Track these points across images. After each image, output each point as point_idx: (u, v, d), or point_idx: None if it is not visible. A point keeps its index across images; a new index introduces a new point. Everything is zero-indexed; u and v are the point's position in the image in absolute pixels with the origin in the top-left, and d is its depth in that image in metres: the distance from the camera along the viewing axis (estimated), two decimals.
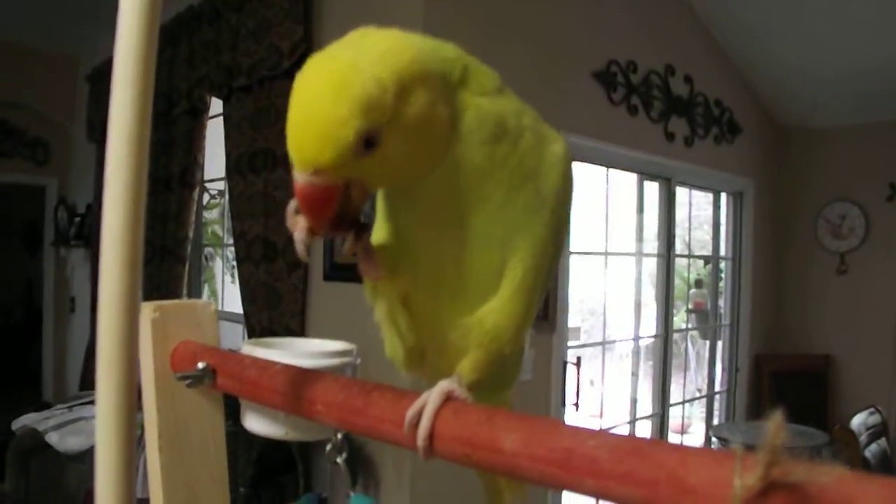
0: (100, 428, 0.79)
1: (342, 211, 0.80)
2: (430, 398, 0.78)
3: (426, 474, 3.46)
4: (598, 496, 0.63)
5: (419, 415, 0.78)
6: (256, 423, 1.14)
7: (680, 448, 0.58)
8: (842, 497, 0.48)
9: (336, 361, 1.11)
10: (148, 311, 1.12)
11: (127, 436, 0.79)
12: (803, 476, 0.48)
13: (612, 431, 0.67)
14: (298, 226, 0.83)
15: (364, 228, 0.86)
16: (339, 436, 1.04)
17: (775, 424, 0.49)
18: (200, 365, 1.09)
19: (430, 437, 0.76)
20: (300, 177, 0.76)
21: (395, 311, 0.92)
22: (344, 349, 1.15)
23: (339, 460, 1.05)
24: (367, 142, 0.74)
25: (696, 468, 0.55)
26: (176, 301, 1.18)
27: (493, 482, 1.12)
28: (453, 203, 0.83)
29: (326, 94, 0.74)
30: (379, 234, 0.93)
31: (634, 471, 0.59)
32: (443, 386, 0.80)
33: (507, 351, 0.88)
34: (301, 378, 0.95)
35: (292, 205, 0.84)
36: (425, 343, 0.95)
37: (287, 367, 0.99)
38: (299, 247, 0.83)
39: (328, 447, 1.06)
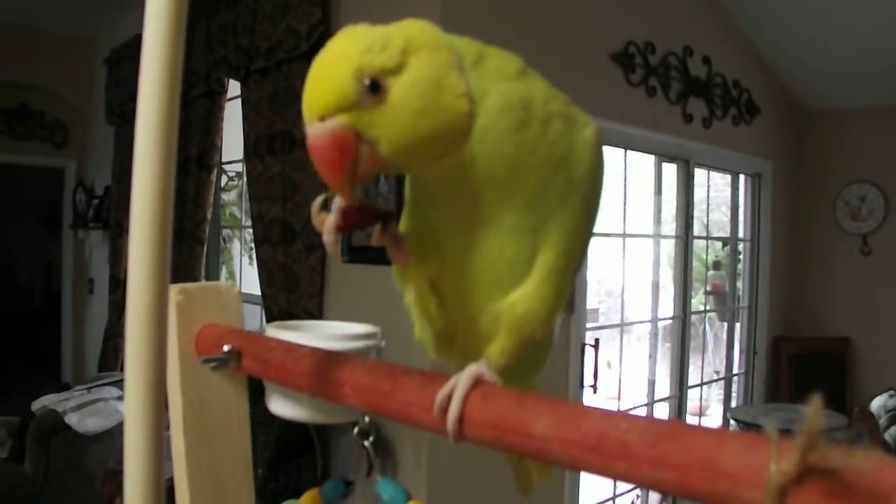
0: (129, 410, 0.79)
1: (352, 175, 0.79)
2: (460, 382, 0.78)
3: (444, 456, 3.46)
4: (629, 481, 0.63)
5: (449, 398, 0.77)
6: (280, 406, 1.14)
7: (714, 431, 0.58)
8: (881, 483, 0.47)
9: (361, 344, 1.11)
10: (172, 293, 1.12)
11: (156, 419, 0.79)
12: (841, 462, 0.48)
13: (640, 414, 0.66)
14: (326, 224, 0.83)
15: (389, 217, 0.85)
16: (367, 419, 1.04)
17: (814, 409, 0.48)
18: (226, 348, 1.08)
19: (460, 420, 0.76)
20: (308, 129, 0.78)
21: (424, 296, 0.92)
22: (369, 332, 1.15)
23: (366, 443, 1.05)
24: (372, 85, 0.75)
25: (730, 452, 0.55)
26: (200, 284, 1.18)
27: (520, 464, 1.12)
28: (483, 196, 0.82)
29: (333, 48, 0.78)
30: (407, 221, 0.93)
31: (667, 455, 0.58)
32: (472, 369, 0.79)
33: (538, 336, 0.87)
34: (328, 361, 0.95)
35: (317, 201, 0.84)
36: (454, 327, 0.94)
37: (313, 350, 0.99)
38: (329, 248, 0.84)
39: (355, 430, 1.05)
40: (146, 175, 0.75)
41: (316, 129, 0.77)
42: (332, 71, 0.76)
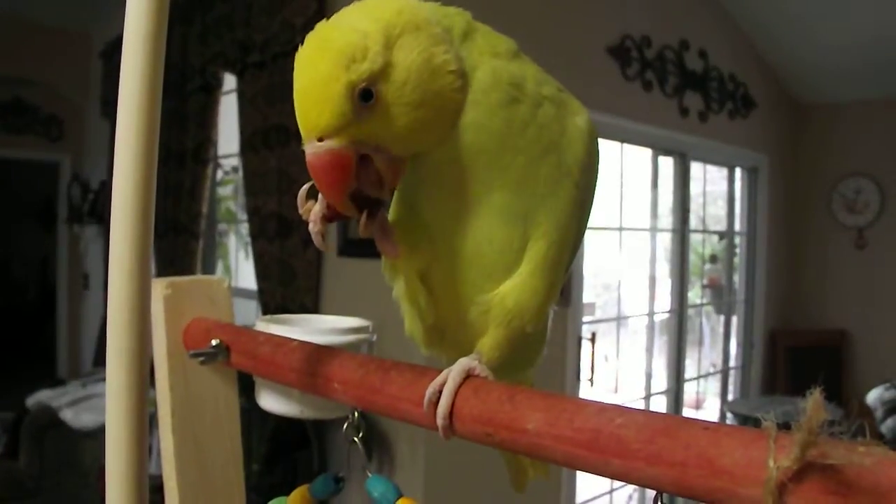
0: (110, 408, 0.78)
1: (372, 186, 0.79)
2: (450, 376, 0.77)
3: (441, 450, 3.45)
4: (625, 479, 0.61)
5: (439, 393, 0.76)
6: (271, 402, 1.13)
7: (711, 427, 0.57)
8: (881, 480, 0.46)
9: (352, 338, 1.09)
10: (160, 287, 1.11)
11: (138, 416, 0.78)
12: (841, 458, 0.46)
13: (638, 408, 0.65)
14: (312, 213, 0.82)
15: (378, 206, 0.84)
16: (356, 414, 1.03)
17: (814, 403, 0.47)
18: (214, 342, 1.07)
19: (450, 416, 0.75)
20: (308, 148, 0.76)
21: (414, 288, 0.90)
22: (360, 325, 1.13)
23: (356, 439, 1.04)
24: (364, 94, 0.74)
25: (728, 448, 0.53)
26: (189, 277, 1.17)
27: (515, 460, 1.11)
28: (470, 174, 0.81)
29: (314, 60, 0.75)
30: (396, 210, 0.91)
31: (663, 451, 0.57)
32: (463, 363, 0.78)
33: (530, 329, 0.85)
34: (317, 355, 0.93)
35: (303, 190, 0.83)
36: (445, 320, 0.92)
37: (303, 344, 0.98)
38: (316, 238, 0.83)
39: (345, 426, 1.04)
40: (127, 172, 0.73)
41: (316, 150, 0.76)
42: (322, 91, 0.74)
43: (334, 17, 0.79)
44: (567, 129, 0.84)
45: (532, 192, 0.82)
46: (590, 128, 0.86)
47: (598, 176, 0.90)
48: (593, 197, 0.90)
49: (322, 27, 0.78)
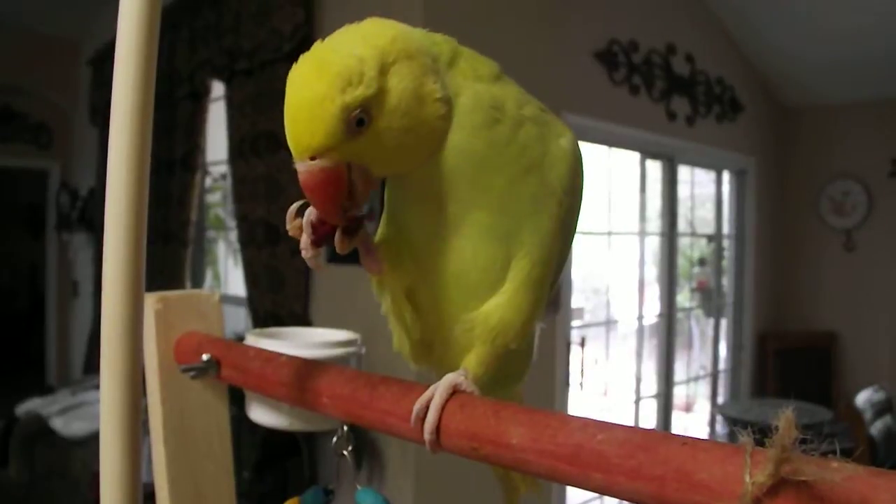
0: (104, 421, 0.79)
1: (348, 199, 0.80)
2: (437, 391, 0.78)
3: (431, 459, 3.44)
4: (606, 492, 0.62)
5: (426, 408, 0.77)
6: (261, 414, 1.13)
7: (689, 442, 0.58)
8: (853, 495, 0.47)
9: (341, 352, 1.10)
10: (151, 302, 1.12)
11: (132, 428, 0.79)
12: (813, 474, 0.48)
13: (622, 421, 0.66)
14: (302, 241, 0.84)
15: (360, 223, 0.85)
16: (345, 428, 1.04)
17: (786, 421, 0.48)
18: (205, 357, 1.08)
19: (437, 430, 0.76)
20: (300, 166, 0.77)
21: (400, 305, 0.91)
22: (349, 339, 1.14)
23: (345, 452, 1.05)
24: (358, 119, 0.75)
25: (705, 463, 0.55)
26: (180, 292, 1.17)
27: (507, 476, 1.12)
28: (454, 194, 0.82)
29: (310, 80, 0.76)
30: (385, 228, 0.93)
31: (643, 466, 0.58)
32: (449, 379, 0.80)
33: (514, 346, 0.87)
34: (306, 370, 0.94)
35: (293, 208, 0.84)
36: (432, 337, 0.93)
37: (292, 359, 0.98)
38: (311, 263, 0.84)
39: (334, 439, 1.05)
40: (119, 188, 0.74)
41: (309, 168, 0.77)
42: (317, 111, 0.75)
43: (330, 38, 0.79)
44: (550, 149, 0.85)
45: (515, 211, 0.83)
46: (574, 148, 0.87)
47: (583, 195, 0.91)
48: (578, 216, 0.92)
49: (319, 48, 0.78)
